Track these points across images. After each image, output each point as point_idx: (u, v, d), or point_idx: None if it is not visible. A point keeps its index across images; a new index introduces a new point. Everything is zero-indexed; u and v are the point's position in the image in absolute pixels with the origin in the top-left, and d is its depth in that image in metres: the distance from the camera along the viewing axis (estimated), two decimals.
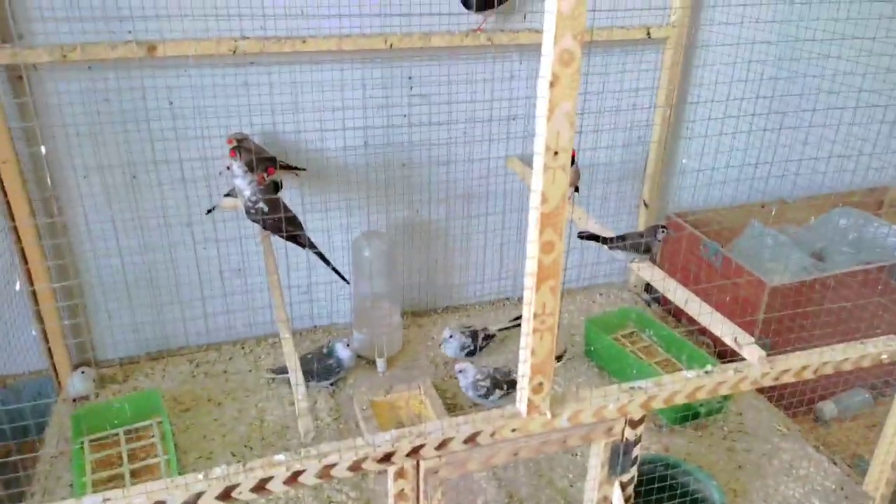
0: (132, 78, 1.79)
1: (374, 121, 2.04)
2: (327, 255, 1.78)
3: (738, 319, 2.08)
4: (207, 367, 2.05)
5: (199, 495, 1.03)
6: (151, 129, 1.84)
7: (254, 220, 1.69)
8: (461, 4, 1.94)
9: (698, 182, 2.45)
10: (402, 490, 1.14)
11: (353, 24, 1.89)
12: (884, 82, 2.03)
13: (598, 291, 2.52)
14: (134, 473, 1.62)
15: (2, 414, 1.82)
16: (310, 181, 2.04)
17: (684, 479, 1.59)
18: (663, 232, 1.63)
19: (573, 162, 1.73)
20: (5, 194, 1.71)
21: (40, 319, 1.87)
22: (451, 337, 1.99)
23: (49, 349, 1.91)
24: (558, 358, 1.99)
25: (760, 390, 1.97)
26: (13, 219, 1.74)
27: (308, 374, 1.90)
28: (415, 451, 1.11)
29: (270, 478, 1.05)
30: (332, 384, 1.94)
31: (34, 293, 1.82)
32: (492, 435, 1.16)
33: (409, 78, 2.03)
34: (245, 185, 1.66)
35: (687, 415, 1.85)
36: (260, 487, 1.04)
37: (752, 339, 1.31)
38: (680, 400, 1.29)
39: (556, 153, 0.98)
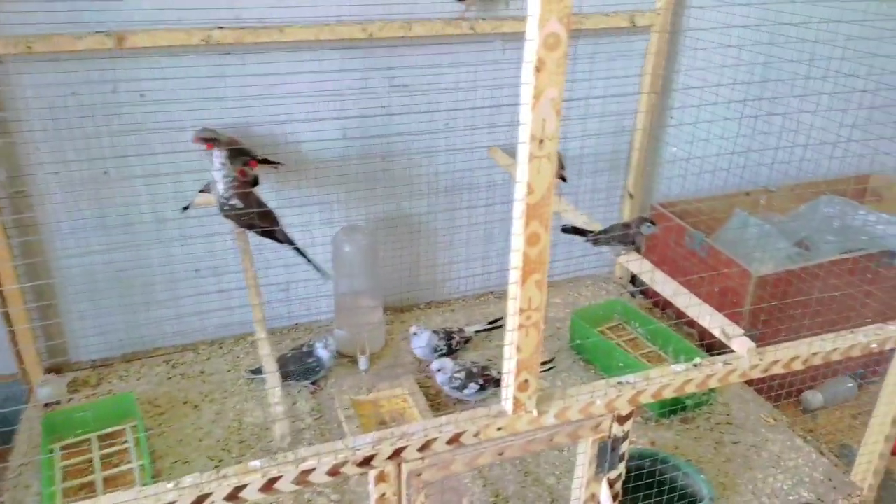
0: (103, 70, 1.73)
1: (354, 111, 1.98)
2: (306, 252, 1.73)
3: (724, 311, 2.09)
4: (184, 369, 1.99)
5: None
6: (123, 122, 1.78)
7: (227, 217, 1.63)
8: None
9: (683, 171, 2.43)
10: (384, 494, 1.10)
11: (330, 14, 1.83)
12: (860, 65, 2.01)
13: (583, 283, 2.49)
14: (107, 481, 1.57)
15: None
16: (287, 175, 1.99)
17: (673, 473, 1.56)
18: (649, 228, 1.60)
19: None
20: None
21: (9, 321, 1.80)
22: (415, 334, 1.94)
23: (18, 352, 1.84)
24: (545, 364, 1.94)
25: (748, 381, 1.95)
26: None
27: (288, 375, 1.86)
28: (397, 454, 1.07)
29: (245, 486, 1.00)
30: (312, 384, 1.89)
31: (1, 294, 1.75)
32: (476, 435, 1.12)
33: (390, 68, 1.98)
34: (220, 178, 1.60)
35: (674, 408, 1.83)
36: (233, 496, 0.99)
37: (742, 331, 1.28)
38: (669, 394, 1.26)
39: (541, 142, 0.94)
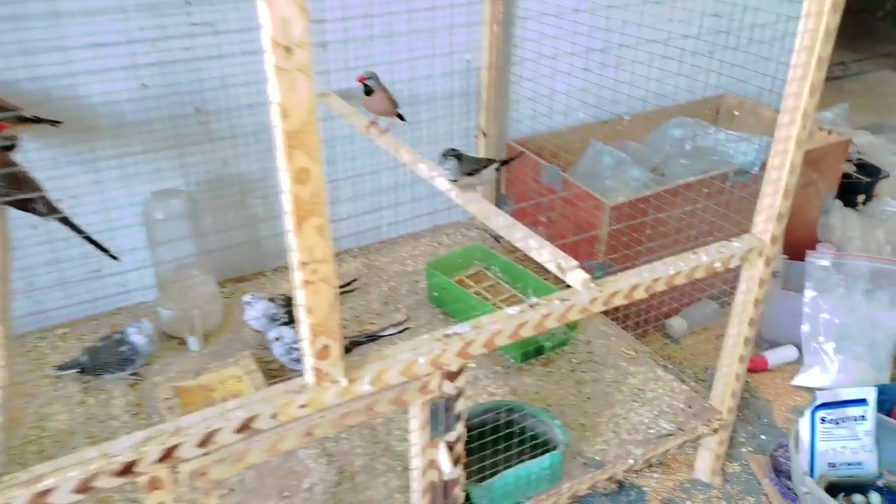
0: None
1: (150, 57, 1.71)
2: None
3: (582, 244, 2.01)
4: None
5: None
6: None
7: None
8: None
9: (537, 107, 2.31)
10: None
11: None
12: None
13: (443, 232, 2.34)
14: None
15: None
16: (77, 136, 1.70)
17: (529, 422, 1.46)
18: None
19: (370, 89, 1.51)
20: None
21: None
22: (248, 303, 1.73)
23: None
24: (399, 325, 1.79)
25: (607, 314, 1.88)
26: None
27: (101, 367, 1.61)
28: (168, 455, 0.88)
29: None
30: (132, 374, 1.65)
31: None
32: (274, 417, 0.95)
33: (187, 2, 1.70)
34: None
35: (531, 350, 1.73)
36: None
37: (576, 264, 1.16)
38: (503, 341, 1.13)
39: (288, 49, 0.75)
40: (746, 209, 1.48)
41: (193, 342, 1.75)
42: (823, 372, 1.95)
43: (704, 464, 1.66)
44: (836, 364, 1.94)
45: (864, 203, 2.61)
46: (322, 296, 0.91)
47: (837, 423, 1.56)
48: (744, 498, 1.66)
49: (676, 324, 2.10)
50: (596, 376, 1.71)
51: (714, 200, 1.97)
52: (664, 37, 2.03)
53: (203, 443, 0.90)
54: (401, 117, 1.77)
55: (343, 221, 2.16)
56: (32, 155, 1.63)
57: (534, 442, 1.41)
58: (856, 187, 2.59)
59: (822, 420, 1.57)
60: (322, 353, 0.95)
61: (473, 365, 1.72)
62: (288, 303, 1.77)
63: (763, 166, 1.31)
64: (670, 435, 1.54)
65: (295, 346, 1.61)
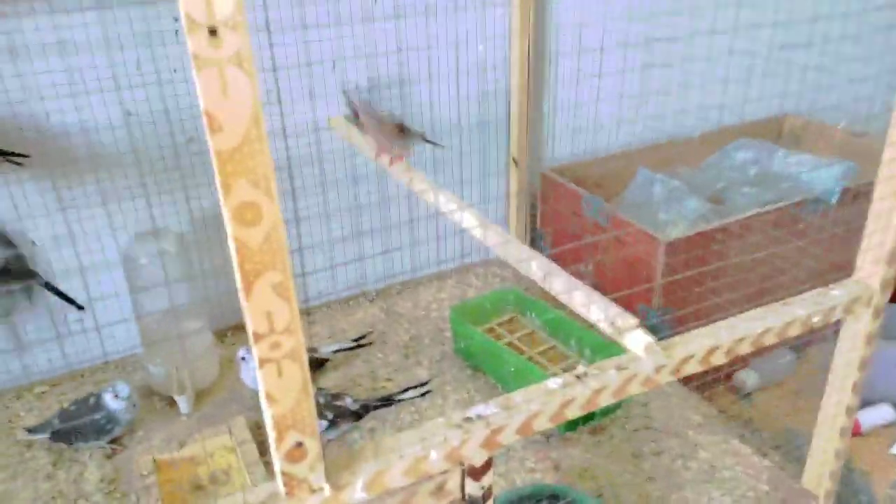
0: None
1: (134, 80, 1.51)
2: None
3: (635, 286, 1.72)
4: None
5: None
6: None
7: None
8: None
9: (574, 131, 2.05)
10: None
11: None
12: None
13: (473, 272, 2.08)
14: None
15: None
16: (50, 172, 1.50)
17: None
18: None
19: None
20: None
21: None
22: (243, 358, 1.49)
23: None
24: (421, 386, 1.53)
25: None
26: None
27: (73, 434, 1.39)
28: None
29: None
30: (109, 443, 1.42)
31: None
32: None
33: (176, 19, 1.51)
34: None
35: (581, 417, 1.44)
36: None
37: (635, 322, 0.89)
38: (542, 425, 0.86)
39: (213, 32, 0.51)
40: (825, 245, 1.20)
41: (183, 403, 1.52)
42: None
43: None
44: None
45: None
46: (288, 378, 0.66)
47: None
48: None
49: (747, 378, 1.79)
50: (657, 447, 1.41)
51: (787, 233, 1.68)
52: (724, 49, 1.78)
53: None
54: (430, 141, 1.52)
55: (349, 255, 1.93)
56: None
57: None
58: None
59: None
60: (293, 454, 0.70)
61: None
62: None
63: (843, 195, 1.06)
64: None
65: None
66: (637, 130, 2.12)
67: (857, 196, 1.67)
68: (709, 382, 1.69)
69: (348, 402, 1.41)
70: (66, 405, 1.45)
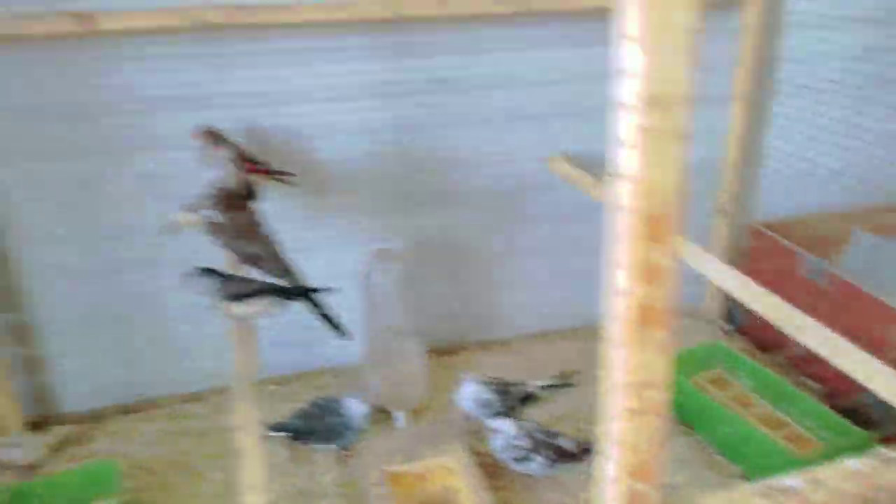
0: (78, 63, 1.43)
1: (382, 114, 1.63)
2: (325, 286, 1.36)
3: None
4: (188, 423, 1.66)
5: None
6: (100, 126, 1.48)
7: (208, 235, 1.28)
8: None
9: (788, 182, 1.97)
10: None
11: None
12: None
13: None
14: None
15: None
16: (304, 190, 1.64)
17: None
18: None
19: None
20: None
21: None
22: (464, 383, 1.54)
23: None
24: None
25: None
26: None
27: (309, 435, 1.49)
28: None
29: None
30: (342, 449, 1.52)
31: None
32: None
33: (426, 58, 1.62)
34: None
35: None
36: None
37: None
38: None
39: (664, 105, 0.56)
40: None
41: (401, 418, 1.60)
42: None
43: None
44: None
45: None
46: (648, 431, 0.69)
47: None
48: None
49: None
50: None
51: None
52: None
53: None
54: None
55: (558, 294, 1.96)
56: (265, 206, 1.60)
57: None
58: None
59: None
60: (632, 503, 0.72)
61: None
62: (503, 393, 1.56)
63: None
64: None
65: (517, 442, 1.40)
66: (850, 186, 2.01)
67: None
68: None
69: (564, 442, 1.43)
70: (302, 406, 1.54)
